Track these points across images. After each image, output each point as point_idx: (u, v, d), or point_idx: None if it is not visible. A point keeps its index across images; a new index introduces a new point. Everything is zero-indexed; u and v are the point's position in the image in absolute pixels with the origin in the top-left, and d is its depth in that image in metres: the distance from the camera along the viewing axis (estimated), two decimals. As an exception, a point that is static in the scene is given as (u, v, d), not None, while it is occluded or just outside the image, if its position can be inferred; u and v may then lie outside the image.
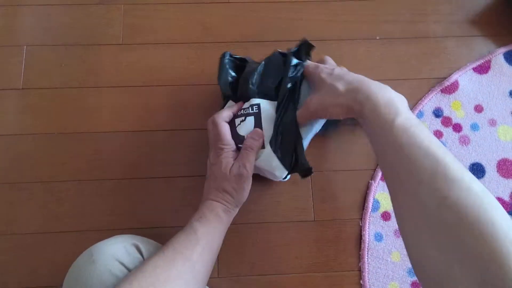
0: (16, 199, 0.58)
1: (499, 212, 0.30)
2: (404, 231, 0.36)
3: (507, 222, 0.29)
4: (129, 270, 0.42)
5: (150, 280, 0.38)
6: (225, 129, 0.49)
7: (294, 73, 0.50)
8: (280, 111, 0.49)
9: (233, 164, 0.48)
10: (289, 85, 0.49)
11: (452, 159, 0.34)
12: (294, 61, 0.50)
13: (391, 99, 0.39)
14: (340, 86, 0.43)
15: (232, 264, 0.56)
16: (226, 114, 0.51)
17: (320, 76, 0.48)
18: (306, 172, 0.48)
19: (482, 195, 0.31)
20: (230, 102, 0.53)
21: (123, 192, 0.58)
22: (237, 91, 0.52)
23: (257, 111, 0.50)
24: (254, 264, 0.56)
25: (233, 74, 0.53)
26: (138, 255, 0.44)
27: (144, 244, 0.46)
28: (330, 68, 0.48)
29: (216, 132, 0.49)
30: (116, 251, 0.43)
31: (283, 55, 0.52)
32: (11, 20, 0.66)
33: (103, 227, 0.57)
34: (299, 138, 0.48)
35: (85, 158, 0.59)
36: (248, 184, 0.48)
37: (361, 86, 0.42)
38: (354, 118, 0.44)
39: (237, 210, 0.50)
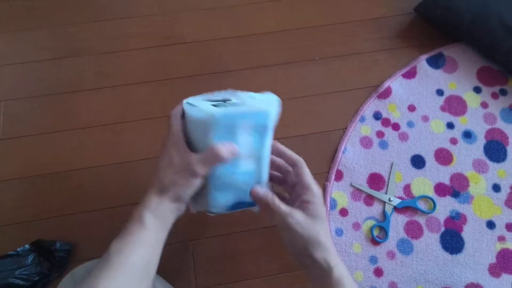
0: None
1: None
2: None
3: None
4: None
5: None
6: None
7: None
8: None
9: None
10: None
11: None
12: None
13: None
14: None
15: (210, 274, 0.60)
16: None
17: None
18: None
19: None
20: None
21: (105, 222, 0.63)
22: None
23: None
24: (230, 272, 0.61)
25: None
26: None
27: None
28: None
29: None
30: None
31: None
32: (-11, 80, 0.73)
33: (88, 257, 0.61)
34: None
35: (66, 194, 0.64)
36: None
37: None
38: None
39: (180, 208, 0.42)
